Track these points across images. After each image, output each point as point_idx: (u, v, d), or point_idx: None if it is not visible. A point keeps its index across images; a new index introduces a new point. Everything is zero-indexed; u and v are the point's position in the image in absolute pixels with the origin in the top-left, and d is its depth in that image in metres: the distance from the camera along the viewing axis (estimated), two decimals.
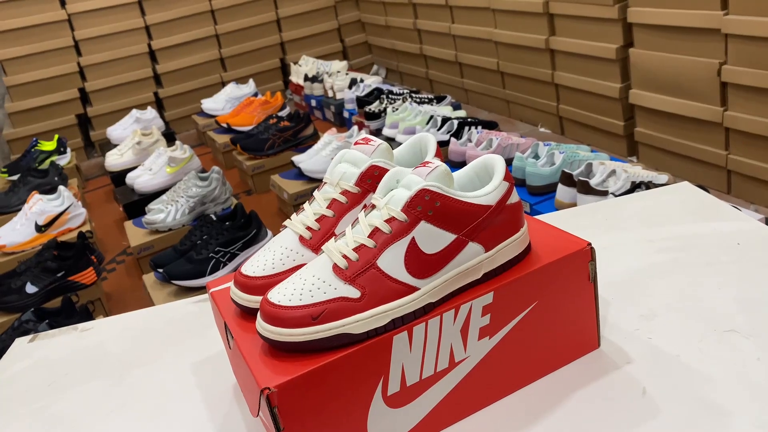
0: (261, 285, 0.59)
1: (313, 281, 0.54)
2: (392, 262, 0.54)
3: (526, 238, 0.60)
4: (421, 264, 0.54)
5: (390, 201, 0.55)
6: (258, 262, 0.61)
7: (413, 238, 0.54)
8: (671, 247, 0.79)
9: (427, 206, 0.54)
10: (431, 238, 0.54)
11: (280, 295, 0.53)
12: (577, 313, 0.63)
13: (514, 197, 0.59)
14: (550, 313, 0.61)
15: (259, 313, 0.54)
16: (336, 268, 0.54)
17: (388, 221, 0.54)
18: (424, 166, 0.56)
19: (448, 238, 0.55)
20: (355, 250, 0.54)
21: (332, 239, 0.57)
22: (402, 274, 0.54)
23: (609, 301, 0.71)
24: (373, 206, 0.56)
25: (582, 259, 0.61)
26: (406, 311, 0.54)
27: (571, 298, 0.62)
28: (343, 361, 0.52)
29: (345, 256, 0.54)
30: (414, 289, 0.54)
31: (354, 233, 0.55)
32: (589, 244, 0.61)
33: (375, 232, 0.54)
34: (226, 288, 0.65)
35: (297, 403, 0.51)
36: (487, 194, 0.57)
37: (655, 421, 0.55)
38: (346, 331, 0.52)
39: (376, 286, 0.53)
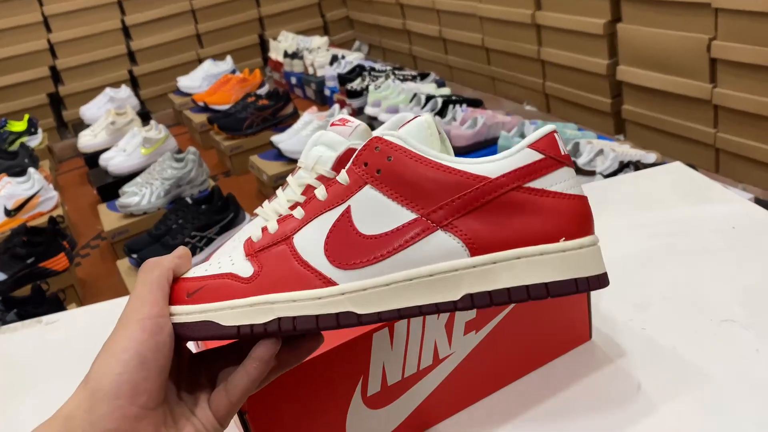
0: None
1: (225, 250, 0.45)
2: (311, 238, 0.38)
3: (576, 260, 0.35)
4: (350, 247, 0.36)
5: (318, 162, 0.44)
6: (226, 252, 0.57)
7: (348, 207, 0.37)
8: (664, 232, 0.76)
9: (376, 163, 0.37)
10: (374, 210, 0.36)
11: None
12: (569, 304, 0.59)
13: (557, 182, 0.36)
14: (540, 304, 0.57)
15: None
16: (248, 241, 0.40)
17: (318, 179, 0.44)
18: (344, 124, 0.45)
19: (400, 215, 0.36)
20: (280, 221, 0.40)
21: (265, 201, 0.49)
22: (317, 258, 0.37)
23: (600, 291, 0.67)
24: (299, 168, 0.47)
25: None
26: (305, 311, 0.36)
27: None
28: (318, 362, 0.48)
29: (264, 229, 0.40)
30: (328, 282, 0.36)
31: (286, 194, 0.48)
32: None
33: (307, 190, 0.44)
34: None
35: (269, 408, 0.47)
36: (494, 161, 0.36)
37: (651, 419, 0.52)
38: (211, 319, 0.37)
39: (276, 266, 0.38)
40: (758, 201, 1.48)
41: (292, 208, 0.57)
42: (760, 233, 0.72)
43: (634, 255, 0.73)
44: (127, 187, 2.08)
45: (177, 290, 0.39)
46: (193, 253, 1.71)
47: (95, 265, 2.06)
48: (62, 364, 0.74)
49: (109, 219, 2.04)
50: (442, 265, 0.35)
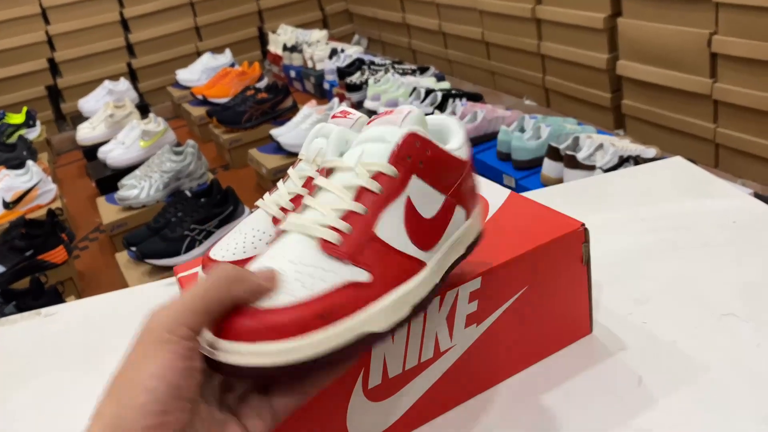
0: None
1: (297, 269, 0.39)
2: (392, 229, 0.42)
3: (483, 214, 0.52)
4: (423, 231, 0.43)
5: (363, 155, 0.42)
6: (228, 245, 0.57)
7: (408, 197, 0.43)
8: (665, 227, 0.76)
9: (417, 156, 0.43)
10: (425, 198, 0.44)
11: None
12: (570, 297, 0.59)
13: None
14: (541, 298, 0.57)
15: (221, 333, 0.37)
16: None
17: (375, 178, 0.42)
18: (392, 113, 0.45)
19: (438, 199, 0.45)
20: (344, 219, 0.41)
21: (292, 214, 0.45)
22: (406, 246, 0.42)
23: (600, 284, 0.67)
24: (331, 170, 0.44)
25: (575, 241, 0.57)
26: (424, 293, 0.42)
27: (563, 281, 0.58)
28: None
29: (334, 228, 0.40)
30: (422, 263, 0.43)
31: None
32: (583, 224, 0.57)
33: (361, 194, 0.41)
34: (195, 273, 0.61)
35: None
36: (460, 147, 0.47)
37: (651, 413, 0.52)
38: (369, 329, 0.38)
39: (385, 263, 0.41)
40: (757, 196, 1.48)
41: (294, 200, 0.57)
42: (761, 228, 0.72)
43: (635, 249, 0.73)
44: (125, 180, 2.08)
45: (304, 317, 0.36)
46: (192, 247, 1.71)
47: (94, 257, 2.06)
48: (61, 356, 0.74)
49: (108, 212, 2.04)
50: (459, 231, 0.47)
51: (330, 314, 0.37)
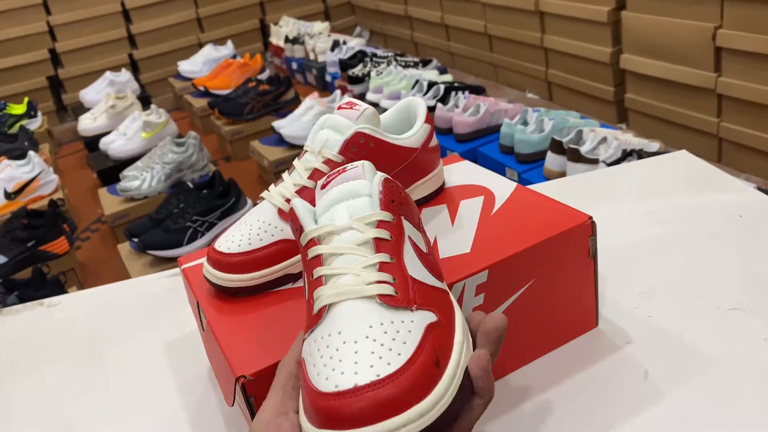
0: (237, 263, 0.54)
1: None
2: (417, 268, 0.46)
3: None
4: (432, 265, 0.49)
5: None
6: (233, 237, 0.56)
7: (409, 236, 0.49)
8: (670, 220, 0.75)
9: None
10: (415, 235, 0.49)
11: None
12: (576, 291, 0.59)
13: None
14: (547, 291, 0.57)
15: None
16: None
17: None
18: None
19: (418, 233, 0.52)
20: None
21: (272, 185, 0.58)
22: (431, 279, 0.48)
23: (606, 278, 0.67)
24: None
25: (582, 234, 0.57)
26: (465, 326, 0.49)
27: (569, 275, 0.58)
28: None
29: (383, 282, 0.41)
30: (446, 291, 0.49)
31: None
32: (590, 217, 0.57)
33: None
34: (199, 264, 0.60)
35: None
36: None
37: (658, 407, 0.52)
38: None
39: (439, 303, 0.45)
40: (761, 191, 1.47)
41: (299, 191, 0.57)
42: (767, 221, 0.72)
43: (640, 242, 0.72)
44: (127, 171, 2.07)
45: (424, 366, 0.35)
46: (194, 238, 1.71)
47: (96, 248, 2.05)
48: (63, 346, 0.74)
49: (110, 203, 2.04)
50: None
51: (440, 360, 0.36)
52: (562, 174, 1.67)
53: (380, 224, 0.42)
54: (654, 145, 1.62)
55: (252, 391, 0.46)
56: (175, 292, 0.80)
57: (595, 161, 1.58)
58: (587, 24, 2.17)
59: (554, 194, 0.62)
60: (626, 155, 1.57)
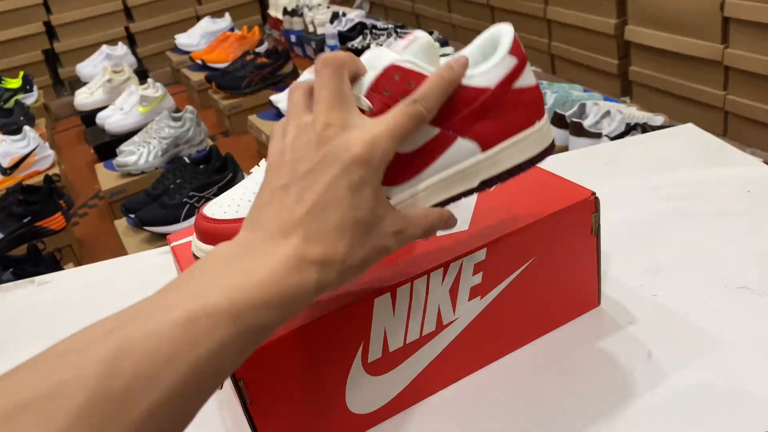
0: (227, 230, 0.50)
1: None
2: None
3: (546, 134, 0.46)
4: (393, 166, 0.40)
5: (354, 86, 0.41)
6: (223, 201, 0.52)
7: None
8: (677, 195, 0.73)
9: (398, 89, 0.41)
10: None
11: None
12: (578, 269, 0.57)
13: (527, 78, 0.44)
14: (547, 270, 0.55)
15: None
16: None
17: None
18: (404, 39, 0.44)
19: (428, 132, 0.42)
20: None
21: (262, 160, 0.48)
22: None
23: (609, 255, 0.65)
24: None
25: (585, 211, 0.55)
26: None
27: (571, 253, 0.56)
28: (317, 327, 0.46)
29: None
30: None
31: None
32: (593, 193, 0.54)
33: None
34: (189, 242, 0.58)
35: (265, 374, 0.46)
36: (483, 73, 0.43)
37: (662, 388, 0.50)
38: None
39: None
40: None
41: None
42: None
43: (646, 218, 0.70)
44: (124, 146, 2.05)
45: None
46: (191, 214, 1.69)
47: (93, 224, 2.04)
48: (54, 325, 0.73)
49: (107, 178, 2.02)
50: (464, 163, 0.43)
51: None
52: (565, 148, 1.64)
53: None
54: (658, 119, 1.59)
55: (241, 374, 0.44)
56: (168, 270, 0.78)
57: (598, 135, 1.56)
58: None
59: (556, 169, 0.60)
60: (630, 129, 1.54)
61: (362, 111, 0.40)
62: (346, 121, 0.37)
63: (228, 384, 0.46)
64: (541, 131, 0.45)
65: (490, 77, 0.43)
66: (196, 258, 0.53)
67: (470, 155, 0.43)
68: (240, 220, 0.47)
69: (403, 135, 0.39)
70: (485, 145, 0.43)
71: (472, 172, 0.43)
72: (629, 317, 0.57)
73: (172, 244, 0.59)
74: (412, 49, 0.42)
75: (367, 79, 0.41)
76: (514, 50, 0.44)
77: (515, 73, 0.43)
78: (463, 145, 0.43)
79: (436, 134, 0.42)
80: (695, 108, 1.91)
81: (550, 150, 0.46)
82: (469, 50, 0.46)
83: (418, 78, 0.41)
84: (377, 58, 0.41)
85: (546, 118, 0.46)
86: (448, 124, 0.42)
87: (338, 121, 0.37)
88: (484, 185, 0.44)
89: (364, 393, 0.50)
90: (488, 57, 0.45)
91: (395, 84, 0.40)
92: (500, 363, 0.55)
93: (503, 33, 0.44)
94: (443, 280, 0.50)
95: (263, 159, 0.56)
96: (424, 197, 0.43)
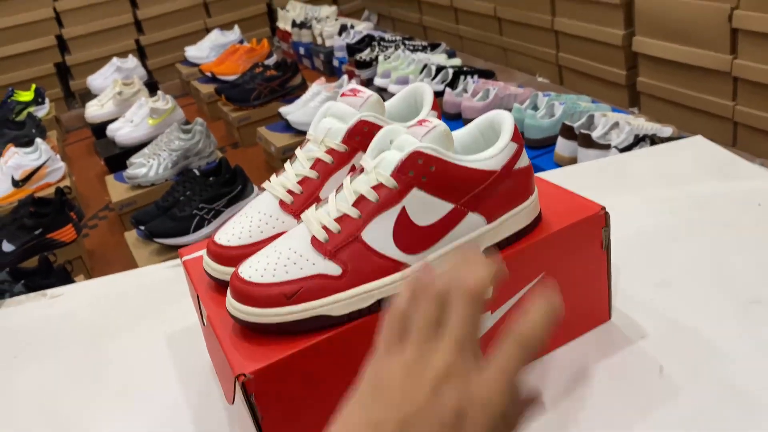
0: (236, 255, 0.53)
1: (289, 255, 0.47)
2: (379, 235, 0.47)
3: (536, 207, 0.54)
4: (413, 237, 0.47)
5: (380, 164, 0.48)
6: (233, 229, 0.55)
7: (404, 207, 0.47)
8: (686, 208, 0.73)
9: (420, 171, 0.47)
10: (425, 207, 0.48)
11: (252, 270, 0.47)
12: (588, 283, 0.57)
13: (524, 160, 0.52)
14: (558, 283, 0.55)
15: (228, 289, 0.48)
16: (315, 240, 0.47)
17: (375, 188, 0.47)
18: (420, 124, 0.49)
19: (444, 207, 0.48)
20: (337, 220, 0.48)
21: (313, 207, 0.50)
22: (390, 249, 0.47)
23: (620, 268, 0.65)
24: (362, 169, 0.49)
25: (595, 226, 0.55)
26: (395, 290, 0.47)
27: (581, 267, 0.56)
28: (325, 344, 0.46)
29: (325, 228, 0.48)
30: (403, 265, 0.48)
31: (337, 201, 0.48)
32: (603, 208, 0.55)
33: (360, 200, 0.47)
34: (200, 256, 0.59)
35: (277, 390, 0.46)
36: (491, 158, 0.49)
37: (673, 403, 0.50)
38: (324, 313, 0.46)
39: (360, 262, 0.47)
40: None
41: (301, 182, 0.55)
42: None
43: (655, 232, 0.70)
44: (134, 158, 2.06)
45: (272, 295, 0.46)
46: (201, 226, 1.69)
47: (103, 236, 2.05)
48: (65, 337, 0.73)
49: (117, 190, 2.03)
50: (471, 234, 0.50)
51: (294, 296, 0.46)
52: (573, 160, 1.64)
53: (378, 186, 0.47)
54: (667, 130, 1.59)
55: (252, 389, 0.45)
56: (177, 283, 0.78)
57: (606, 147, 1.55)
58: (599, 6, 2.12)
59: (565, 182, 0.60)
60: (638, 140, 1.54)
61: (388, 190, 0.47)
62: (468, 375, 0.32)
63: (239, 399, 0.47)
64: (533, 204, 0.53)
65: (496, 161, 0.49)
66: (208, 275, 0.54)
67: (478, 226, 0.50)
68: (245, 247, 0.53)
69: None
70: (490, 218, 0.50)
71: (478, 240, 0.50)
72: (640, 332, 0.57)
73: (184, 258, 0.60)
74: (431, 136, 0.47)
75: (394, 160, 0.47)
76: (515, 137, 0.51)
77: (515, 156, 0.51)
78: (472, 218, 0.49)
79: (450, 209, 0.48)
80: (704, 119, 1.91)
81: (539, 220, 0.54)
82: (469, 129, 0.53)
83: (438, 163, 0.47)
84: (405, 144, 0.47)
85: (535, 193, 0.54)
86: (461, 201, 0.49)
87: (460, 372, 0.32)
88: (487, 252, 0.51)
89: None
90: (486, 136, 0.52)
91: (418, 167, 0.47)
92: None
93: (504, 120, 0.51)
94: None
95: (273, 174, 0.57)
96: (440, 261, 0.49)
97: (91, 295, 0.82)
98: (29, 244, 1.71)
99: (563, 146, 1.65)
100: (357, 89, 0.57)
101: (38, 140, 2.15)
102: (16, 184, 2.04)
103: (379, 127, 0.53)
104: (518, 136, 0.51)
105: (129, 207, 1.97)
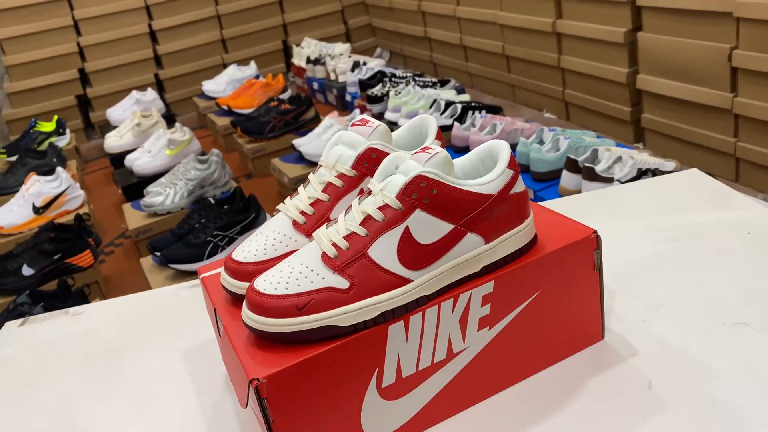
0: (252, 271, 0.57)
1: (301, 269, 0.51)
2: (384, 252, 0.51)
3: (532, 229, 0.58)
4: (415, 255, 0.52)
5: (386, 187, 0.52)
6: (249, 247, 0.59)
7: (407, 227, 0.52)
8: (679, 236, 0.76)
9: (423, 194, 0.52)
10: (427, 227, 0.52)
11: (266, 283, 0.51)
12: (581, 303, 0.60)
13: (519, 186, 0.56)
14: (553, 303, 0.58)
15: (244, 300, 0.52)
16: (325, 256, 0.52)
17: (381, 208, 0.52)
18: (424, 151, 0.54)
19: (444, 228, 0.52)
20: (346, 238, 0.52)
21: (324, 225, 0.54)
22: (394, 265, 0.51)
23: (614, 291, 0.68)
24: (369, 192, 0.54)
25: (587, 248, 0.58)
26: (398, 304, 0.52)
27: (575, 287, 0.59)
28: (336, 352, 0.50)
29: (335, 244, 0.52)
30: (406, 281, 0.52)
31: (346, 220, 0.53)
32: (595, 231, 0.58)
33: (367, 220, 0.52)
34: (217, 273, 0.63)
35: (288, 394, 0.49)
36: (489, 182, 0.54)
37: (661, 417, 0.53)
38: (332, 323, 0.50)
39: (366, 276, 0.51)
40: None
41: (313, 204, 0.59)
42: None
43: (648, 257, 0.73)
44: (151, 187, 2.12)
45: (285, 306, 0.50)
46: (215, 252, 1.74)
47: (119, 262, 2.10)
48: (86, 353, 0.77)
49: (134, 218, 2.09)
50: (470, 253, 0.54)
51: (305, 307, 0.50)
52: (578, 192, 1.68)
53: (384, 207, 0.52)
54: (670, 165, 1.62)
55: (265, 393, 0.48)
56: (194, 302, 0.82)
57: (610, 180, 1.59)
58: (604, 45, 2.18)
59: (565, 210, 0.64)
60: (641, 174, 1.58)
61: (393, 210, 0.51)
62: None
63: (251, 402, 0.50)
64: (529, 227, 0.57)
65: (493, 186, 0.54)
66: (225, 289, 0.58)
67: (476, 246, 0.54)
68: (260, 263, 0.57)
69: None
70: (488, 238, 0.55)
71: (476, 259, 0.54)
72: (631, 350, 0.60)
73: (202, 276, 0.64)
74: (433, 162, 0.52)
75: (399, 183, 0.52)
76: (511, 165, 0.55)
77: (511, 182, 0.55)
78: (471, 238, 0.54)
79: (450, 229, 0.53)
80: (707, 154, 1.95)
81: (534, 242, 0.58)
82: (470, 157, 0.58)
83: (439, 186, 0.52)
84: (409, 168, 0.52)
85: (531, 216, 0.58)
86: (460, 222, 0.53)
87: None
88: (485, 270, 0.55)
89: (378, 416, 0.54)
90: (485, 163, 0.57)
91: (421, 190, 0.51)
92: (507, 392, 0.58)
93: (501, 149, 0.56)
94: (453, 310, 0.54)
95: (287, 197, 0.62)
96: (440, 279, 0.53)
97: (111, 313, 0.86)
98: (48, 268, 1.76)
99: (568, 179, 1.69)
100: (366, 119, 0.62)
101: (59, 169, 2.22)
102: (36, 210, 2.11)
103: (386, 154, 0.58)
104: (514, 163, 0.56)
105: (145, 234, 2.03)
